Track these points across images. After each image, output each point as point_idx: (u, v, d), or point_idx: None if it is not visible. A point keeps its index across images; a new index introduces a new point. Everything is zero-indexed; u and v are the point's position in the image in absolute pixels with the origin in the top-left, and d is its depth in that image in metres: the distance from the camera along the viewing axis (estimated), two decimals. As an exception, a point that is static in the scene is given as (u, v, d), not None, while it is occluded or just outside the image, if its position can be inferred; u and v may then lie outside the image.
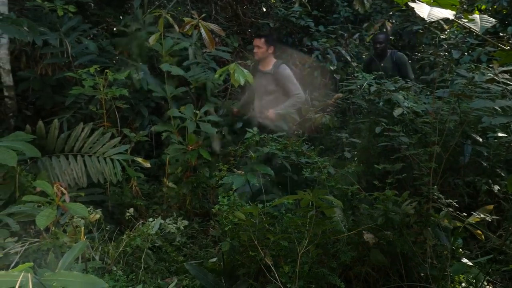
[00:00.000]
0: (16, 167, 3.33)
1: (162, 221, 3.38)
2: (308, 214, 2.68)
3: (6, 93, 4.86)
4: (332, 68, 6.55)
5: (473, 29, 1.79)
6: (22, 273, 1.49)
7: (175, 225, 3.41)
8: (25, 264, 1.60)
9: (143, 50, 5.33)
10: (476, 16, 1.82)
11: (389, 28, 7.19)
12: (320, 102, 5.58)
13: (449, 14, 1.75)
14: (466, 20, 1.88)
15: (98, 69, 4.37)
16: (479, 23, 1.78)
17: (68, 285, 1.54)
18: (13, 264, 2.51)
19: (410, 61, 8.23)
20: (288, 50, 6.77)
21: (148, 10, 5.47)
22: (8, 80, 4.83)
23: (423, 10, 1.75)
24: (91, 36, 5.58)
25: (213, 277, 2.84)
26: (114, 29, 5.47)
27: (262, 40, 4.97)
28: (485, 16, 1.84)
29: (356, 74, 4.89)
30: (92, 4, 6.17)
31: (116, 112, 4.52)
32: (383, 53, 6.21)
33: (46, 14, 5.08)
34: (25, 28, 4.05)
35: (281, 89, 5.00)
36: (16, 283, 1.45)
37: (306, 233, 2.66)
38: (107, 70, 4.38)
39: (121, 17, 5.45)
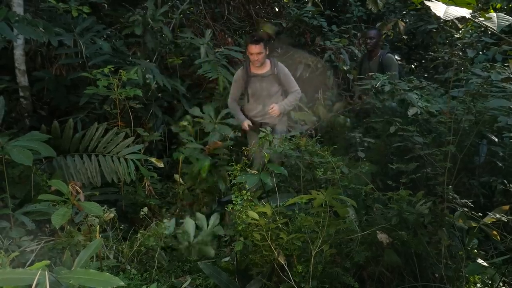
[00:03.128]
0: (32, 166, 3.37)
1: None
2: (321, 213, 2.67)
3: (21, 93, 4.91)
4: (345, 68, 6.53)
5: (490, 27, 1.78)
6: (39, 271, 1.51)
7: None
8: (42, 262, 1.61)
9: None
10: (493, 14, 1.80)
11: (402, 27, 7.15)
12: (339, 104, 5.49)
13: (465, 12, 1.73)
14: (482, 19, 1.86)
15: (112, 69, 4.40)
16: (496, 21, 1.76)
17: (85, 283, 1.55)
18: (29, 262, 2.54)
19: (423, 61, 8.20)
20: (299, 50, 6.76)
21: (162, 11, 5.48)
22: (23, 80, 4.89)
23: (439, 9, 1.73)
24: (105, 36, 5.61)
25: (226, 276, 2.85)
26: (123, 30, 5.48)
27: (261, 44, 4.60)
28: (502, 14, 1.82)
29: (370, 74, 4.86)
30: (106, 5, 6.22)
31: (130, 112, 4.55)
32: (373, 51, 5.90)
33: (60, 15, 5.13)
34: (40, 28, 4.09)
35: (282, 88, 4.83)
36: (33, 280, 1.47)
37: (320, 232, 2.65)
38: (121, 70, 4.41)
39: (135, 18, 5.47)
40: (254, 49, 4.57)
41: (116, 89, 4.33)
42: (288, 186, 3.77)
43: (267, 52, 4.71)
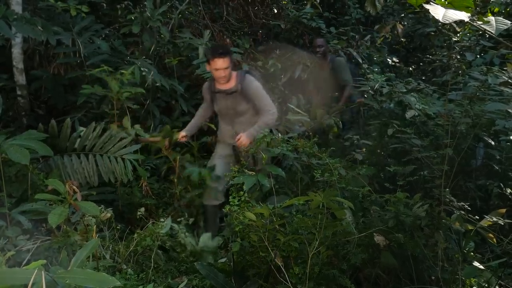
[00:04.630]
0: (29, 165, 3.36)
1: (175, 226, 3.42)
2: (318, 215, 2.67)
3: (19, 92, 4.90)
4: (343, 69, 6.52)
5: (488, 31, 1.78)
6: (36, 270, 1.50)
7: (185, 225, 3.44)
8: (38, 262, 1.61)
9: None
10: (492, 18, 1.81)
11: (400, 30, 7.16)
12: (336, 105, 5.51)
13: (464, 16, 1.74)
14: (480, 22, 1.87)
15: (110, 69, 4.39)
16: (495, 25, 1.76)
17: (81, 282, 1.54)
18: (25, 262, 2.53)
19: (421, 63, 8.22)
20: (298, 51, 6.76)
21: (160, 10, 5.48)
22: (21, 79, 4.88)
23: (438, 12, 1.74)
24: (103, 36, 5.60)
25: (223, 277, 2.84)
26: (121, 30, 5.47)
27: (228, 57, 3.93)
28: (501, 18, 1.83)
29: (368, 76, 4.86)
30: (105, 4, 6.21)
31: (128, 112, 4.54)
32: (323, 58, 5.99)
33: (59, 13, 5.11)
34: (39, 27, 4.08)
35: (253, 106, 4.14)
36: (29, 280, 1.46)
37: (317, 234, 2.65)
38: (120, 71, 4.40)
39: (133, 17, 5.46)
40: (222, 63, 3.89)
41: (113, 89, 4.31)
42: (285, 188, 3.77)
43: (232, 65, 4.06)
